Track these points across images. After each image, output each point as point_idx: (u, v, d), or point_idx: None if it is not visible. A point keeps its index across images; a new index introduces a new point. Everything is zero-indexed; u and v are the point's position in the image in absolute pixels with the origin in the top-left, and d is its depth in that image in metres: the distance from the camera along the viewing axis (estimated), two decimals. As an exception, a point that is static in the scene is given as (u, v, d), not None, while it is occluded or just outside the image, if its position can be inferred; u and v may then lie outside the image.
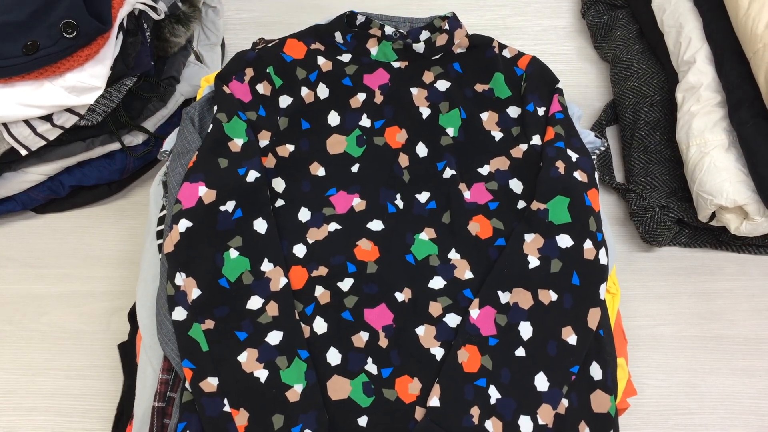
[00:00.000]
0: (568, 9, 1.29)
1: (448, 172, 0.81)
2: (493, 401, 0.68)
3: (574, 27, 1.26)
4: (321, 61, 0.86)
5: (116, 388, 0.88)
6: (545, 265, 0.74)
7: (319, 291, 0.74)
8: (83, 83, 0.80)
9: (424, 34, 0.88)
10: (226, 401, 0.66)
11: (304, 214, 0.78)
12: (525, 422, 0.67)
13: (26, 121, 0.82)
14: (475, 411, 0.67)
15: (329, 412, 0.67)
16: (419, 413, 0.68)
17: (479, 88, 0.87)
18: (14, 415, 0.87)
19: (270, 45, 0.86)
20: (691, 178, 0.93)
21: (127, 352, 0.84)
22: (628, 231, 1.04)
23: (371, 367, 0.70)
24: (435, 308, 0.74)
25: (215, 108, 0.81)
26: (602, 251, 0.75)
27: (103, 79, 0.82)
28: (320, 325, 0.72)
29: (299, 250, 0.76)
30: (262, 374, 0.67)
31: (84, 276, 0.97)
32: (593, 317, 0.73)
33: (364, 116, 0.84)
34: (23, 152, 0.85)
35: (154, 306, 0.74)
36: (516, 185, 0.82)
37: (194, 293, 0.70)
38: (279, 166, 0.81)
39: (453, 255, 0.77)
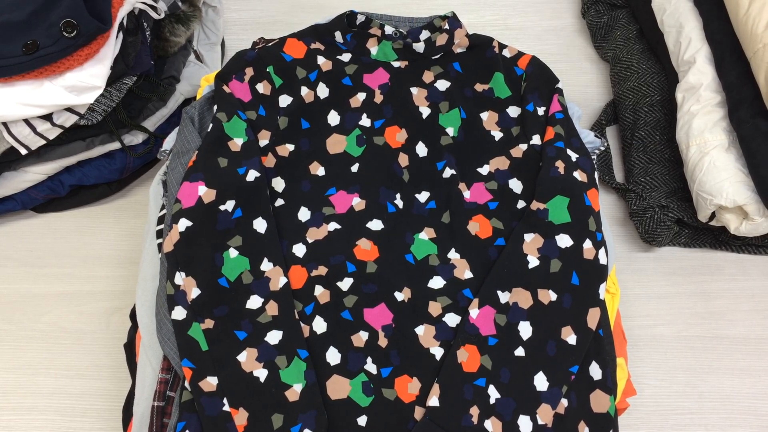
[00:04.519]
0: (568, 9, 1.29)
1: (448, 172, 0.81)
2: (492, 401, 0.68)
3: (574, 27, 1.26)
4: (321, 60, 0.86)
5: (116, 388, 0.88)
6: (545, 264, 0.74)
7: (319, 290, 0.74)
8: (83, 83, 0.80)
9: (424, 34, 0.88)
10: (225, 401, 0.66)
11: (304, 214, 0.78)
12: (524, 422, 0.67)
13: (26, 121, 0.82)
14: (474, 411, 0.67)
15: (329, 412, 0.67)
16: (419, 413, 0.68)
17: (479, 87, 0.87)
18: (14, 414, 0.87)
19: (270, 44, 0.86)
20: (691, 178, 0.93)
21: (133, 353, 0.84)
22: (627, 231, 1.04)
23: (371, 366, 0.70)
24: (434, 308, 0.74)
25: (215, 107, 0.81)
26: (602, 251, 0.75)
27: (103, 78, 0.82)
28: (320, 325, 0.72)
29: (299, 250, 0.76)
30: (261, 374, 0.67)
31: (84, 275, 0.97)
32: (593, 317, 0.73)
33: (364, 116, 0.84)
34: (23, 151, 0.85)
35: (154, 305, 0.74)
36: (516, 185, 0.81)
37: (194, 293, 0.70)
38: (279, 165, 0.81)
39: (452, 255, 0.77)
